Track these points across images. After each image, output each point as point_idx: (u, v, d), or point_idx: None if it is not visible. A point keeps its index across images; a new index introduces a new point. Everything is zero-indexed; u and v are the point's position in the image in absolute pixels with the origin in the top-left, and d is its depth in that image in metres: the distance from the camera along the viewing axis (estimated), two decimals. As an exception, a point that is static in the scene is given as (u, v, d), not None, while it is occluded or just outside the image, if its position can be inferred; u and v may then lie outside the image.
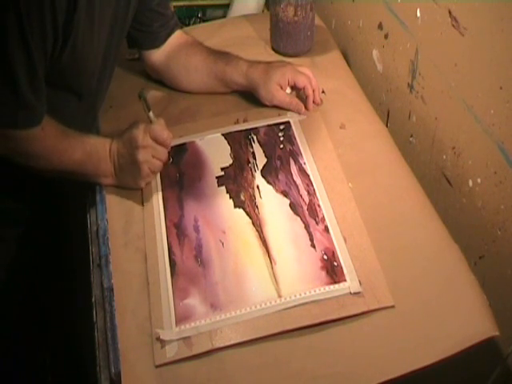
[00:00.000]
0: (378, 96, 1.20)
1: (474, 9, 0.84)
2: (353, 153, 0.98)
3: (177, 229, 0.88)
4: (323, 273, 0.81)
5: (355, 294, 0.79)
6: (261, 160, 0.98)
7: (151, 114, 0.91)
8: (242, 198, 0.92)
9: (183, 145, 1.01)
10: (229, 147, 1.00)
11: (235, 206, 0.90)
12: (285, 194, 0.92)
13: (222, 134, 1.02)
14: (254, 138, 1.01)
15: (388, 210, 0.90)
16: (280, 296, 0.79)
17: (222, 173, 0.96)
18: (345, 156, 0.98)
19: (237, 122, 1.04)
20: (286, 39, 1.19)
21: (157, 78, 1.13)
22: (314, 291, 0.79)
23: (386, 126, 1.15)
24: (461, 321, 0.77)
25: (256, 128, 1.03)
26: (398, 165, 0.98)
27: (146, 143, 0.89)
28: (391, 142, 1.03)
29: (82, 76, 0.92)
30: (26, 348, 1.20)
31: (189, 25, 1.54)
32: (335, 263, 0.82)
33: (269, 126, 1.03)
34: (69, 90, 0.93)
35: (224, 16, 1.55)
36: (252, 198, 0.91)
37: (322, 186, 0.92)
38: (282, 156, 0.98)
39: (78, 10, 0.79)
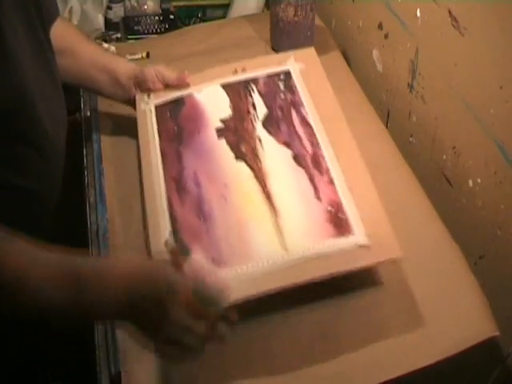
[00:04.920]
0: (378, 96, 1.20)
1: (474, 9, 0.84)
2: (353, 153, 0.98)
3: (176, 184, 0.84)
4: (329, 225, 0.78)
5: (362, 246, 0.75)
6: (261, 110, 0.94)
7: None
8: (243, 149, 0.88)
9: (181, 98, 0.98)
10: (228, 98, 0.96)
11: (236, 159, 0.87)
12: (287, 145, 0.89)
13: (221, 85, 0.98)
14: (254, 88, 0.97)
15: (388, 210, 0.89)
16: (286, 250, 0.76)
17: (222, 125, 0.92)
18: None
19: (235, 72, 1.00)
20: (286, 39, 1.19)
21: None
22: (321, 244, 0.76)
23: (386, 126, 1.15)
24: (461, 321, 0.77)
25: (255, 78, 0.99)
26: (398, 165, 0.98)
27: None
28: (391, 142, 1.03)
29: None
30: (25, 348, 1.20)
31: (189, 25, 1.54)
32: (341, 215, 0.79)
33: (269, 75, 0.99)
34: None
35: (224, 16, 1.55)
36: (253, 150, 0.88)
37: (325, 136, 0.89)
38: (283, 106, 0.94)
39: None
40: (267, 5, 1.48)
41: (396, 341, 0.75)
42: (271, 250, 0.76)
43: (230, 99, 0.96)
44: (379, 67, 1.19)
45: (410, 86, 1.07)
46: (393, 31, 1.11)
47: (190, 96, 0.98)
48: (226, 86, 0.98)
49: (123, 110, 1.06)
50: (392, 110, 1.17)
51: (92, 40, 1.02)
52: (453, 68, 0.92)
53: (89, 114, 1.12)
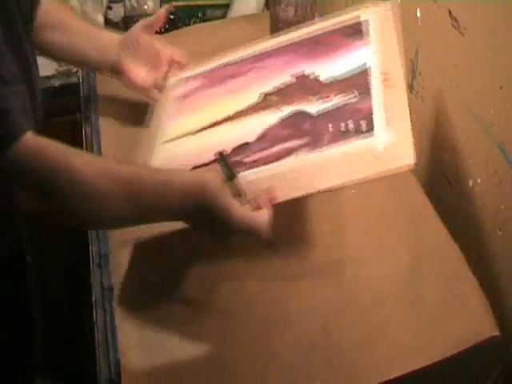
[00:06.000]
0: (378, 96, 1.19)
1: (474, 9, 0.84)
2: (353, 153, 0.98)
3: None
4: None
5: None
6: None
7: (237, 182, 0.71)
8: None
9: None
10: None
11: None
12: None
13: None
14: None
15: (388, 210, 0.90)
16: None
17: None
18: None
19: None
20: (286, 39, 1.19)
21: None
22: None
23: (386, 126, 1.15)
24: (461, 321, 0.77)
25: None
26: (397, 165, 0.98)
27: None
28: (391, 141, 1.02)
29: None
30: (25, 348, 1.20)
31: (189, 25, 1.54)
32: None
33: None
34: None
35: (224, 16, 1.55)
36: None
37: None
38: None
39: None
40: (267, 5, 1.48)
41: (396, 341, 0.75)
42: None
43: None
44: (379, 67, 1.19)
45: (410, 86, 1.07)
46: (393, 31, 1.10)
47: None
48: None
49: (124, 110, 1.06)
50: (392, 110, 1.16)
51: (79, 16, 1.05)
52: (453, 68, 0.92)
53: (88, 113, 1.12)
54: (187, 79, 1.01)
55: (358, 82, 0.81)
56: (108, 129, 1.06)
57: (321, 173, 0.74)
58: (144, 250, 0.87)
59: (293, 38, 0.97)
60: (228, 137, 0.85)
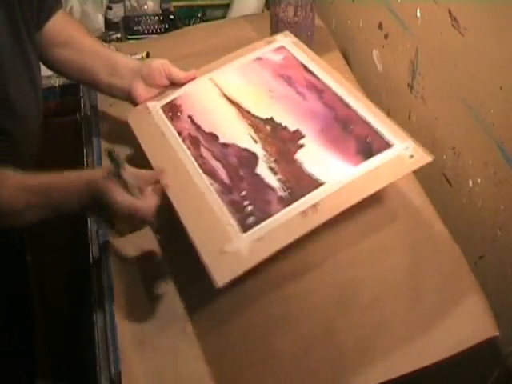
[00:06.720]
0: (378, 96, 1.19)
1: (474, 9, 0.85)
2: (353, 153, 0.98)
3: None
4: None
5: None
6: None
7: (125, 175, 0.75)
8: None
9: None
10: None
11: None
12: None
13: None
14: None
15: (387, 210, 0.90)
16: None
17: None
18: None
19: None
20: (286, 39, 1.19)
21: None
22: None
23: (386, 126, 1.15)
24: (461, 321, 0.77)
25: None
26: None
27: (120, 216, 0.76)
28: (391, 142, 1.02)
29: None
30: (25, 348, 1.20)
31: (189, 25, 1.54)
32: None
33: None
34: None
35: (224, 16, 1.55)
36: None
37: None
38: None
39: None
40: (267, 5, 1.48)
41: (396, 341, 0.75)
42: None
43: None
44: (379, 67, 1.19)
45: (410, 86, 1.07)
46: (393, 31, 1.11)
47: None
48: None
49: (123, 110, 1.06)
50: (392, 110, 1.16)
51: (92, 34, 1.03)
52: (453, 68, 0.92)
53: (89, 114, 1.12)
54: (280, 49, 1.02)
55: (302, 187, 0.78)
56: (108, 129, 1.06)
57: (193, 209, 0.77)
58: (144, 250, 0.87)
59: (356, 101, 0.93)
60: (221, 119, 0.90)
